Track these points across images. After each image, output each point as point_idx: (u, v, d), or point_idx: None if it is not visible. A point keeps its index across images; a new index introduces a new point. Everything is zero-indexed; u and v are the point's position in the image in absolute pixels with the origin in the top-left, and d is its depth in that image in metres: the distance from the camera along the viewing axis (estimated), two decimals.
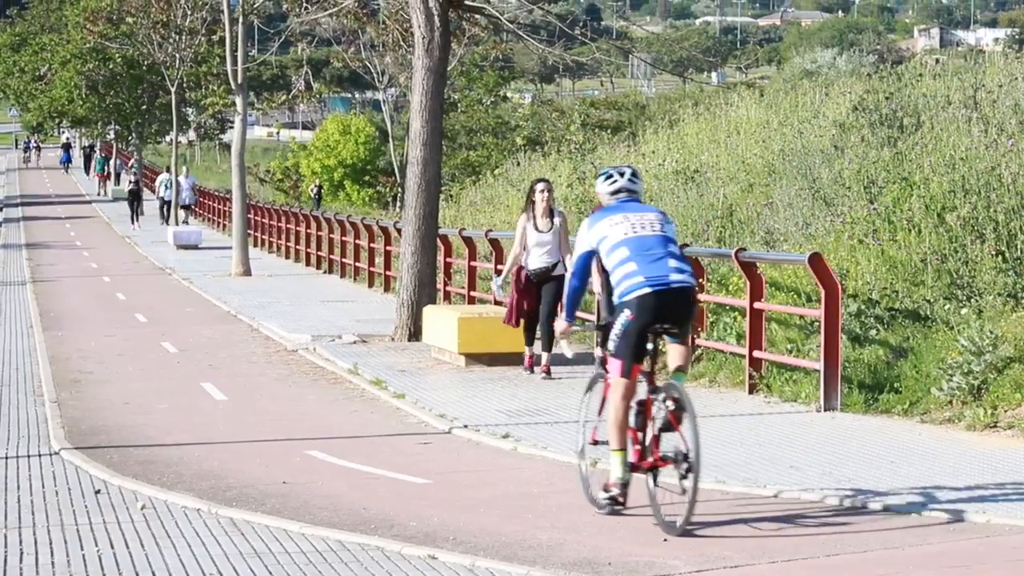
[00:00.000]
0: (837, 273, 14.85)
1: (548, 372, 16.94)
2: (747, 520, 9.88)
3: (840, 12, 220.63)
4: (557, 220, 17.12)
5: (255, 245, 45.97)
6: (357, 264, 33.68)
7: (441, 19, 20.54)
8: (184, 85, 57.61)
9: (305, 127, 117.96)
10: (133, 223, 54.77)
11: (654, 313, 9.63)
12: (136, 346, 22.30)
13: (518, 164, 39.06)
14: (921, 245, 15.97)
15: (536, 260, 17.04)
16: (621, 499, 9.97)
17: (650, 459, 9.75)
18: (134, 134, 73.97)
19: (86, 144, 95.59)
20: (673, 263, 9.73)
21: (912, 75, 25.24)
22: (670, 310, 9.67)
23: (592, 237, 9.94)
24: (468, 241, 24.07)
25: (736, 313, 16.45)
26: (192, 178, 59.42)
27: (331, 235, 36.89)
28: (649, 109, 58.80)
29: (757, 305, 15.36)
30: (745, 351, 15.43)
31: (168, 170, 57.89)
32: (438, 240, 22.42)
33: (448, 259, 25.15)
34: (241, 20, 36.36)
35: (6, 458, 13.35)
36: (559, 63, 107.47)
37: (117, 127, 75.15)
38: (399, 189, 58.25)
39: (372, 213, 51.17)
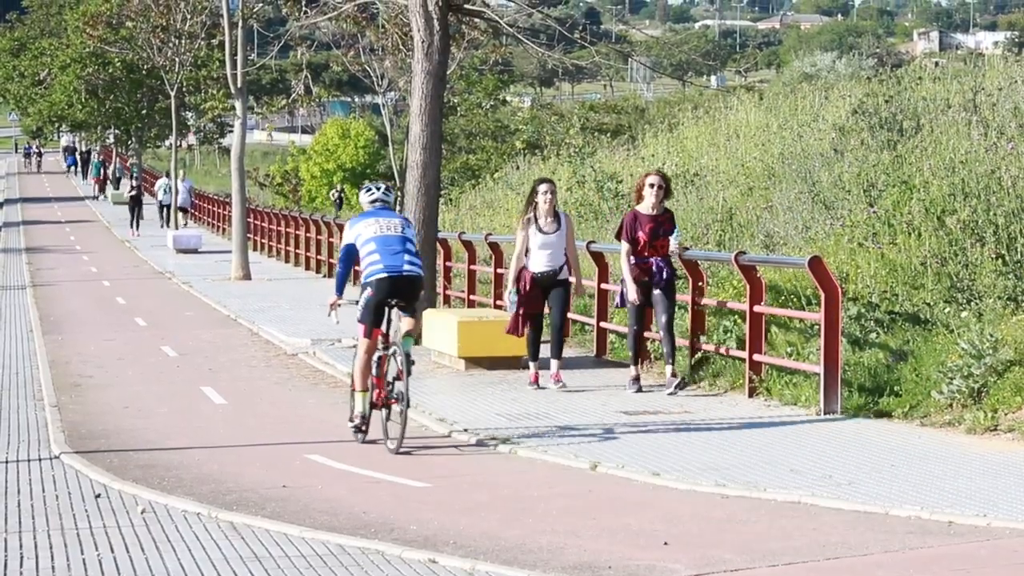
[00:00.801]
0: (837, 276, 14.85)
1: (559, 380, 16.23)
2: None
3: (839, 15, 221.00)
4: (563, 222, 16.38)
5: (255, 249, 45.95)
6: (357, 268, 33.60)
7: (440, 23, 20.53)
8: (184, 89, 57.60)
9: (304, 131, 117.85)
10: (133, 229, 54.68)
11: (387, 292, 13.19)
12: (136, 350, 22.30)
13: (517, 168, 39.11)
14: (921, 248, 15.96)
15: (540, 263, 16.27)
16: (364, 428, 13.46)
17: (382, 397, 13.19)
18: (133, 138, 73.96)
19: (83, 149, 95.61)
20: (407, 257, 13.22)
21: (912, 78, 25.25)
22: (400, 291, 13.22)
23: (352, 234, 13.46)
24: (468, 245, 24.05)
25: (736, 316, 16.44)
26: (189, 181, 59.42)
27: (331, 239, 36.88)
28: (648, 112, 58.76)
29: (757, 308, 15.35)
30: (745, 354, 15.42)
31: (167, 174, 57.94)
32: (437, 244, 22.41)
33: (448, 263, 25.13)
34: (240, 24, 36.34)
35: (6, 462, 13.35)
36: (558, 67, 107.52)
37: (117, 131, 75.14)
38: (398, 193, 58.20)
39: None
